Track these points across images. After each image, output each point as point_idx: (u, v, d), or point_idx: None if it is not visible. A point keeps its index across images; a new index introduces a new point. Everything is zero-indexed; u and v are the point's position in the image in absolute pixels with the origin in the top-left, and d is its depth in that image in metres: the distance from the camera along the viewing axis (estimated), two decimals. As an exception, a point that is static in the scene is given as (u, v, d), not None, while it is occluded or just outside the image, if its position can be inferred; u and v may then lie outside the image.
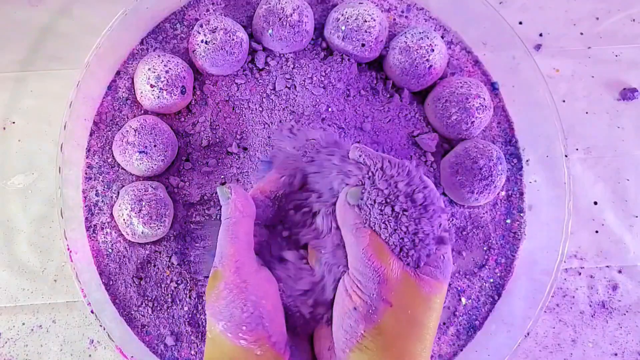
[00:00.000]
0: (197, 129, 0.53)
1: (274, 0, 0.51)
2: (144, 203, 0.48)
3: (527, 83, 0.53)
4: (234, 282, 0.35)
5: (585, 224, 0.57)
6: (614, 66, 0.59)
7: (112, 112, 0.53)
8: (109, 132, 0.52)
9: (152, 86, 0.50)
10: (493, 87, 0.56)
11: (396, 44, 0.53)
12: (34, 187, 0.55)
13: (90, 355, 0.53)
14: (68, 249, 0.48)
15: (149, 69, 0.50)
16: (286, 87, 0.53)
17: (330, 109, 0.53)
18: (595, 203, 0.57)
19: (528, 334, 0.49)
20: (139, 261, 0.51)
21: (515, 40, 0.53)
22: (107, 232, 0.51)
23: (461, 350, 0.53)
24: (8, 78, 0.56)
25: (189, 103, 0.53)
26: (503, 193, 0.55)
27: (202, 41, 0.50)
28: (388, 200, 0.34)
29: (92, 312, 0.47)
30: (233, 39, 0.51)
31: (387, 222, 0.34)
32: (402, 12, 0.57)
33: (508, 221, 0.55)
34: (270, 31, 0.51)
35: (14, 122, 0.56)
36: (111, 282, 0.51)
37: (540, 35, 0.60)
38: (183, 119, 0.53)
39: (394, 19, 0.56)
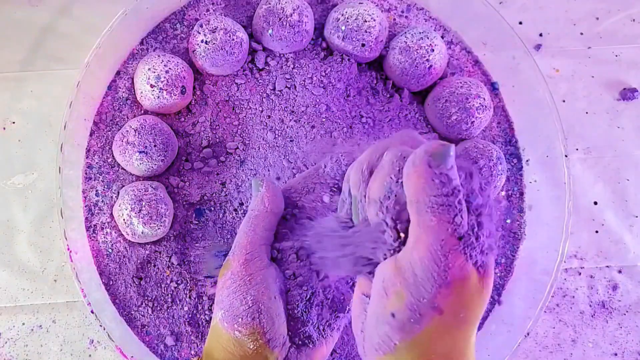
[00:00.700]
0: (197, 129, 0.53)
1: (274, 0, 0.51)
2: (144, 203, 0.48)
3: (527, 83, 0.53)
4: (239, 273, 0.35)
5: (585, 224, 0.57)
6: (614, 66, 0.59)
7: (112, 112, 0.53)
8: (109, 132, 0.52)
9: (152, 86, 0.50)
10: (493, 87, 0.56)
11: (396, 44, 0.53)
12: (34, 187, 0.55)
13: (90, 355, 0.53)
14: (68, 249, 0.48)
15: (149, 69, 0.50)
16: (286, 87, 0.53)
17: (330, 109, 0.53)
18: (595, 203, 0.57)
19: (528, 334, 0.49)
20: (139, 261, 0.51)
21: (515, 40, 0.53)
22: (107, 232, 0.51)
23: (461, 350, 0.53)
24: (8, 78, 0.56)
25: (189, 103, 0.53)
26: (503, 193, 0.55)
27: (202, 41, 0.50)
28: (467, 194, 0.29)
29: (92, 312, 0.47)
30: (233, 39, 0.51)
31: (462, 216, 0.28)
32: (402, 12, 0.57)
33: (508, 221, 0.55)
34: (270, 31, 0.51)
35: (14, 122, 0.56)
36: (111, 282, 0.51)
37: (540, 35, 0.60)
38: (183, 119, 0.53)
39: (394, 19, 0.56)
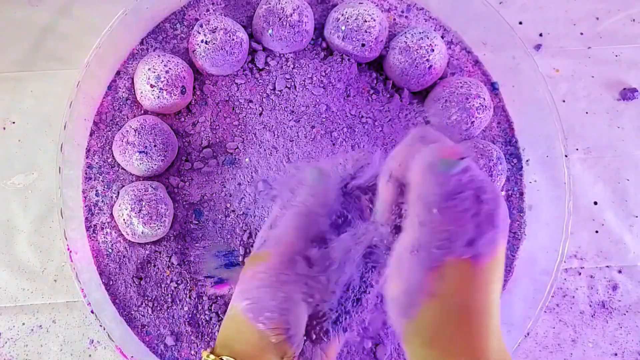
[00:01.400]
0: (197, 129, 0.53)
1: (274, 0, 0.51)
2: (144, 203, 0.48)
3: (527, 83, 0.53)
4: (276, 269, 0.34)
5: (585, 224, 0.57)
6: (614, 66, 0.59)
7: (112, 112, 0.53)
8: (109, 132, 0.52)
9: (152, 86, 0.50)
10: (493, 87, 0.56)
11: (396, 44, 0.53)
12: (34, 187, 0.55)
13: (90, 355, 0.53)
14: (68, 249, 0.48)
15: (149, 69, 0.50)
16: (286, 87, 0.53)
17: (330, 109, 0.53)
18: (595, 203, 0.57)
19: (528, 334, 0.49)
20: (139, 261, 0.51)
21: (515, 40, 0.53)
22: (107, 232, 0.51)
23: (461, 350, 0.53)
24: (8, 78, 0.56)
25: (189, 103, 0.53)
26: (503, 193, 0.55)
27: (202, 41, 0.50)
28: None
29: (92, 312, 0.47)
30: (233, 39, 0.51)
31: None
32: (402, 12, 0.57)
33: (508, 221, 0.55)
34: (270, 31, 0.51)
35: (14, 122, 0.56)
36: (111, 282, 0.51)
37: (540, 35, 0.60)
38: (183, 119, 0.53)
39: (394, 19, 0.56)
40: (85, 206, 0.51)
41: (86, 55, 0.50)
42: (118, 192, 0.51)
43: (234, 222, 0.52)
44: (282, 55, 0.54)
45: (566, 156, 0.51)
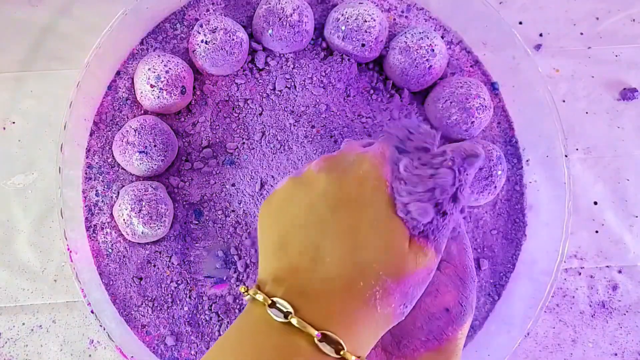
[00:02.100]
0: (197, 129, 0.53)
1: (274, 0, 0.51)
2: (144, 203, 0.48)
3: (527, 83, 0.53)
4: (433, 271, 0.32)
5: (585, 224, 0.57)
6: (614, 66, 0.59)
7: (112, 112, 0.53)
8: (109, 132, 0.52)
9: (152, 86, 0.50)
10: (493, 87, 0.56)
11: (396, 44, 0.53)
12: (34, 187, 0.55)
13: (90, 355, 0.53)
14: (68, 249, 0.48)
15: (149, 69, 0.50)
16: (286, 87, 0.53)
17: (330, 109, 0.53)
18: (595, 203, 0.57)
19: (528, 334, 0.49)
20: (139, 261, 0.51)
21: (515, 40, 0.53)
22: (107, 232, 0.51)
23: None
24: (8, 78, 0.56)
25: (189, 103, 0.53)
26: (503, 193, 0.55)
27: (202, 41, 0.50)
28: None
29: (92, 312, 0.47)
30: (233, 39, 0.51)
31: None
32: (402, 12, 0.57)
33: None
34: (270, 31, 0.51)
35: (14, 122, 0.56)
36: (111, 282, 0.51)
37: (541, 35, 0.60)
38: (183, 119, 0.53)
39: (394, 19, 0.56)
40: (85, 206, 0.51)
41: (86, 55, 0.50)
42: (118, 192, 0.51)
43: (234, 222, 0.52)
44: (282, 55, 0.54)
45: (566, 156, 0.51)
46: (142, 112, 0.53)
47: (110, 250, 0.51)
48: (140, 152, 0.49)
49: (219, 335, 0.51)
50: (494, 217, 0.54)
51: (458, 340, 0.35)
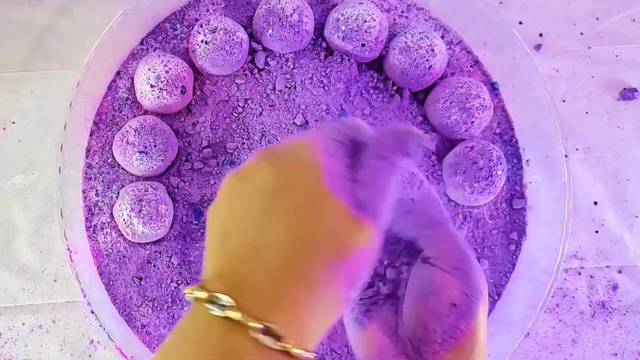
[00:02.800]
0: (197, 129, 0.53)
1: (274, 0, 0.51)
2: (144, 203, 0.48)
3: (527, 83, 0.53)
4: (376, 250, 0.30)
5: (585, 224, 0.57)
6: (614, 66, 0.59)
7: (112, 112, 0.53)
8: (109, 132, 0.52)
9: (152, 86, 0.50)
10: (493, 87, 0.56)
11: (396, 44, 0.53)
12: (34, 187, 0.55)
13: (90, 355, 0.53)
14: (68, 249, 0.48)
15: (149, 69, 0.50)
16: (286, 87, 0.53)
17: (330, 109, 0.53)
18: (595, 203, 0.57)
19: (528, 334, 0.49)
20: (139, 261, 0.51)
21: (515, 40, 0.53)
22: (107, 232, 0.51)
23: (461, 350, 0.53)
24: (8, 78, 0.56)
25: (189, 103, 0.53)
26: (503, 193, 0.55)
27: (202, 41, 0.50)
28: None
29: (92, 312, 0.47)
30: (233, 39, 0.51)
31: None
32: (402, 12, 0.57)
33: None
34: (270, 31, 0.51)
35: (14, 122, 0.56)
36: (111, 282, 0.51)
37: (541, 35, 0.60)
38: (183, 119, 0.53)
39: (394, 19, 0.56)
40: (85, 206, 0.51)
41: (86, 55, 0.50)
42: (118, 192, 0.51)
43: (234, 222, 0.52)
44: (282, 56, 0.54)
45: (566, 156, 0.51)
46: (142, 112, 0.53)
47: (110, 251, 0.51)
48: (140, 152, 0.49)
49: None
50: (494, 217, 0.54)
51: (475, 333, 0.33)
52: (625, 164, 0.58)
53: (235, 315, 0.25)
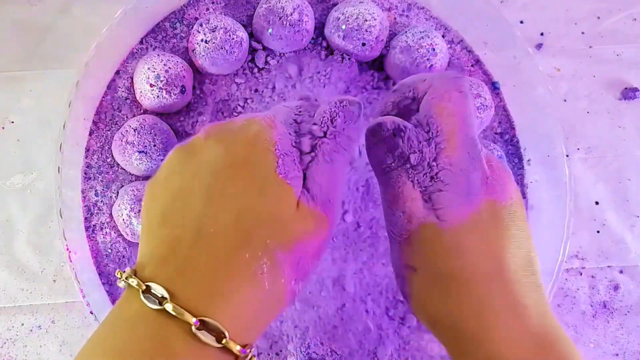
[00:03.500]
0: (197, 129, 0.53)
1: (274, -1, 0.51)
2: (143, 203, 0.48)
3: (528, 82, 0.53)
4: (326, 242, 0.29)
5: (586, 224, 0.57)
6: (615, 65, 0.59)
7: (112, 112, 0.53)
8: (109, 132, 0.52)
9: (151, 85, 0.49)
10: (494, 87, 0.56)
11: (397, 43, 0.53)
12: (33, 187, 0.55)
13: (89, 356, 0.53)
14: (67, 249, 0.48)
15: (149, 69, 0.49)
16: (286, 86, 0.53)
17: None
18: (597, 203, 0.57)
19: (529, 334, 0.49)
20: (138, 261, 0.51)
21: (516, 39, 0.52)
22: (106, 232, 0.51)
23: (462, 350, 0.53)
24: (7, 77, 0.56)
25: (189, 102, 0.53)
26: (504, 193, 0.54)
27: (201, 40, 0.50)
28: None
29: (91, 312, 0.47)
30: (233, 38, 0.50)
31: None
32: (403, 11, 0.57)
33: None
34: (270, 30, 0.51)
35: (13, 122, 0.56)
36: (111, 282, 0.51)
37: (542, 34, 0.60)
38: (183, 119, 0.53)
39: (395, 18, 0.56)
40: (85, 206, 0.51)
41: (86, 55, 0.49)
42: (117, 192, 0.51)
43: (233, 222, 0.52)
44: (282, 55, 0.54)
45: (567, 156, 0.51)
46: (142, 111, 0.53)
47: (109, 250, 0.51)
48: (139, 152, 0.49)
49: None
50: (495, 217, 0.54)
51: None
52: (627, 164, 0.58)
53: (169, 307, 0.24)
